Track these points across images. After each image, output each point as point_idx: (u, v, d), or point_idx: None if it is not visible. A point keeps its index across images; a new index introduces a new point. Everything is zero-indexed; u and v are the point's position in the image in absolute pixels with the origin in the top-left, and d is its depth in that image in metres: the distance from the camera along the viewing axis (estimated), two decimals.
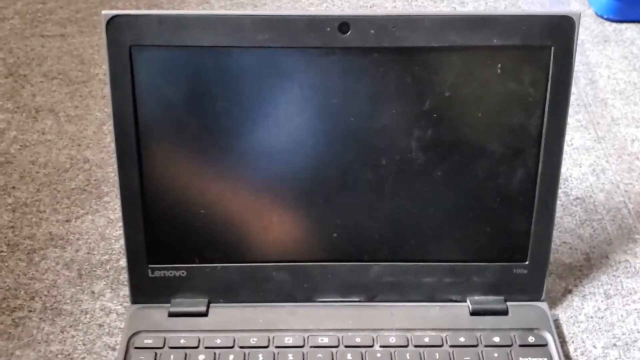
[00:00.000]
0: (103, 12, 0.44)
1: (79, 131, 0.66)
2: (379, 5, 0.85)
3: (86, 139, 0.66)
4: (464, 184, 0.48)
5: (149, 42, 0.44)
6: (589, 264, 0.56)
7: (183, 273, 0.50)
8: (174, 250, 0.50)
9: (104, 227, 0.58)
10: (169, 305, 0.50)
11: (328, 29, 0.44)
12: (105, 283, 0.53)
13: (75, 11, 0.83)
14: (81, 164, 0.63)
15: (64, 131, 0.66)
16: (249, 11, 0.42)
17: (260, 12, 0.43)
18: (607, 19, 0.83)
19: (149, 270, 0.50)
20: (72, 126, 0.67)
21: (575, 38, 0.44)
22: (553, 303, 0.53)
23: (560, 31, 0.44)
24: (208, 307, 0.50)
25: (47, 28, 0.80)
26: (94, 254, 0.56)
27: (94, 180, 0.62)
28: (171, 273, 0.50)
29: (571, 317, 0.52)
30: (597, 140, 0.67)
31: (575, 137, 0.67)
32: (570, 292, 0.54)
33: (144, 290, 0.50)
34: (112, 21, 0.44)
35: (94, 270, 0.54)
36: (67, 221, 0.58)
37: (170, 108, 0.46)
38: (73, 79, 0.73)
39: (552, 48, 0.45)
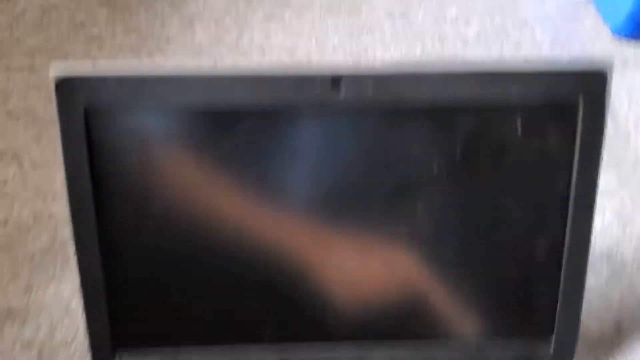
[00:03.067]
0: (51, 71, 0.37)
1: (44, 181, 0.60)
2: (375, 53, 0.78)
3: (52, 189, 0.59)
4: (481, 254, 0.42)
5: (107, 104, 0.38)
6: (619, 334, 0.49)
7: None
8: (145, 333, 0.43)
9: (69, 297, 0.51)
10: None
11: (318, 87, 0.37)
12: None
13: (45, 39, 0.77)
14: (46, 221, 0.57)
15: (28, 181, 0.60)
16: (222, 68, 0.35)
17: (237, 69, 0.36)
18: (626, 38, 0.76)
19: (117, 357, 0.43)
20: (37, 175, 0.60)
21: (607, 93, 0.38)
22: None
23: (589, 86, 0.38)
24: None
25: (13, 59, 0.73)
26: (56, 332, 0.49)
27: (60, 239, 0.55)
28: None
29: None
30: (621, 183, 0.61)
31: None
32: None
33: None
34: (62, 83, 0.37)
35: (56, 353, 0.48)
36: (27, 291, 0.51)
37: (134, 178, 0.39)
38: (40, 118, 0.66)
39: (581, 105, 0.38)
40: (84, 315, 0.42)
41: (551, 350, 0.44)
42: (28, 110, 0.67)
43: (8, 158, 0.62)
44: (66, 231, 0.55)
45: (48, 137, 0.64)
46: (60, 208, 0.57)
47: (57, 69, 0.37)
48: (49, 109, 0.66)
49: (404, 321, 0.43)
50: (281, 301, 0.43)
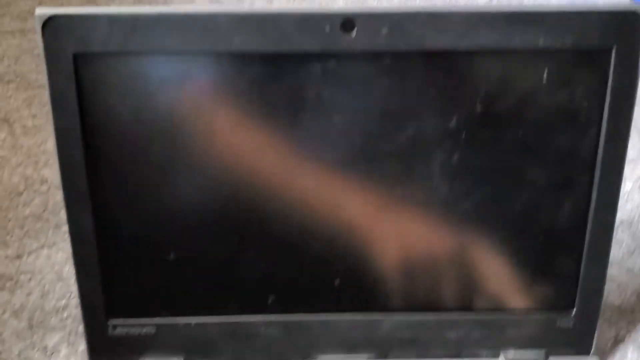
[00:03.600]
0: (37, 10, 0.34)
1: (36, 145, 0.57)
2: None
3: (45, 154, 0.56)
4: (499, 219, 0.39)
5: (98, 48, 0.35)
6: None
7: (151, 329, 0.41)
8: (139, 301, 0.40)
9: (62, 264, 0.48)
10: None
11: (327, 28, 0.34)
12: (61, 336, 0.44)
13: (38, 1, 0.73)
14: (37, 186, 0.54)
15: (19, 145, 0.57)
16: (224, 7, 0.32)
17: (239, 7, 0.33)
18: None
19: (110, 327, 0.40)
20: (28, 139, 0.58)
21: None
22: (602, 355, 0.44)
23: (623, 29, 0.35)
24: None
25: (4, 22, 0.70)
26: (48, 299, 0.46)
27: (52, 205, 0.52)
28: (136, 330, 0.40)
29: None
30: None
31: None
32: (622, 341, 0.45)
33: (104, 349, 0.41)
34: (49, 23, 0.34)
35: (48, 320, 0.45)
36: (17, 257, 0.49)
37: (127, 128, 0.36)
38: (32, 82, 0.63)
39: (613, 51, 0.35)
40: (77, 282, 0.39)
41: (572, 323, 0.42)
42: (19, 74, 0.64)
43: None
44: (58, 197, 0.53)
45: (40, 101, 0.61)
46: (52, 173, 0.55)
47: (44, 10, 0.34)
48: (41, 74, 0.64)
49: (419, 293, 0.41)
50: (285, 268, 0.40)
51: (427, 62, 0.35)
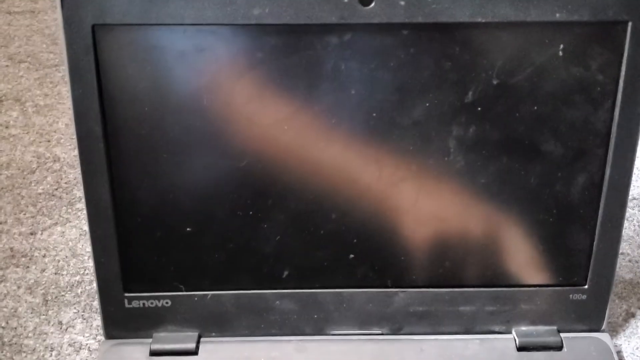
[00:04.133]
0: None
1: (48, 124, 0.57)
2: None
3: (57, 133, 0.56)
4: (512, 192, 0.39)
5: (118, 20, 0.35)
6: None
7: (167, 302, 0.41)
8: (155, 275, 0.40)
9: (75, 240, 0.49)
10: (150, 340, 0.41)
11: (345, 0, 0.34)
12: (75, 311, 0.45)
13: None
14: (50, 164, 0.54)
15: (31, 124, 0.57)
16: None
17: None
18: None
19: (126, 300, 0.41)
20: (40, 118, 0.58)
21: None
22: (613, 330, 0.44)
23: (639, 3, 0.35)
24: (198, 342, 0.41)
25: (14, 3, 0.70)
26: (62, 275, 0.47)
27: (65, 183, 0.53)
28: (152, 303, 0.41)
29: (637, 347, 0.43)
30: None
31: None
32: (633, 315, 0.45)
33: (120, 323, 0.41)
34: None
35: (62, 295, 0.46)
36: (31, 234, 0.49)
37: (147, 103, 0.37)
38: (43, 62, 0.63)
39: (630, 24, 0.35)
40: (93, 256, 0.40)
41: (584, 299, 0.42)
42: (30, 54, 0.64)
43: (10, 101, 0.59)
44: (71, 175, 0.53)
45: (51, 81, 0.61)
46: (64, 151, 0.55)
47: None
48: (52, 53, 0.64)
49: (432, 268, 0.41)
50: (300, 242, 0.40)
51: (443, 35, 0.35)
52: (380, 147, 0.38)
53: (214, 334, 0.42)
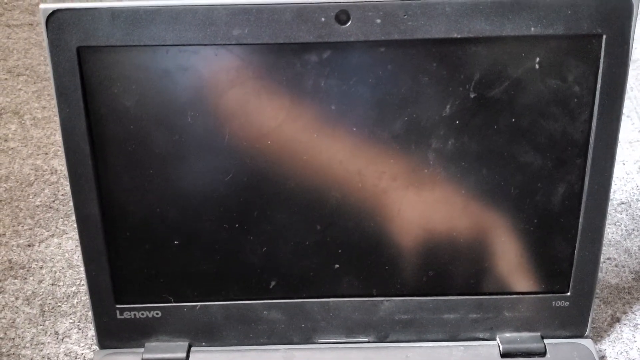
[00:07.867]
0: (41, 5, 0.35)
1: (46, 136, 0.58)
2: None
3: (54, 145, 0.58)
4: (493, 203, 0.40)
5: (102, 42, 0.36)
6: (638, 285, 0.47)
7: (157, 313, 0.42)
8: (146, 287, 0.41)
9: (72, 252, 0.50)
10: (142, 350, 0.42)
11: (323, 19, 0.35)
12: (71, 321, 0.46)
13: None
14: (47, 176, 0.55)
15: (29, 137, 0.58)
16: (223, 1, 0.34)
17: (238, 0, 0.34)
18: None
19: (117, 311, 0.42)
20: (38, 131, 0.59)
21: (633, 25, 0.35)
22: (598, 335, 0.45)
23: (613, 17, 0.35)
24: (188, 352, 0.42)
25: (13, 16, 0.71)
26: (59, 285, 0.48)
27: (62, 195, 0.54)
28: (143, 314, 0.42)
29: (621, 352, 0.44)
30: None
31: None
32: (618, 320, 0.45)
33: (112, 333, 0.42)
34: (53, 17, 0.35)
35: (59, 306, 0.47)
36: (29, 245, 0.50)
37: (132, 120, 0.38)
38: (41, 75, 0.64)
39: (604, 37, 0.36)
40: (85, 269, 0.41)
41: (567, 305, 0.42)
42: (29, 67, 0.65)
43: (8, 114, 0.60)
44: (68, 187, 0.54)
45: (49, 94, 0.62)
46: (62, 164, 0.56)
47: (48, 4, 0.35)
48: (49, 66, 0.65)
49: (416, 277, 0.42)
50: (286, 253, 0.41)
51: (420, 51, 0.36)
52: (361, 160, 0.39)
53: (204, 343, 0.43)
